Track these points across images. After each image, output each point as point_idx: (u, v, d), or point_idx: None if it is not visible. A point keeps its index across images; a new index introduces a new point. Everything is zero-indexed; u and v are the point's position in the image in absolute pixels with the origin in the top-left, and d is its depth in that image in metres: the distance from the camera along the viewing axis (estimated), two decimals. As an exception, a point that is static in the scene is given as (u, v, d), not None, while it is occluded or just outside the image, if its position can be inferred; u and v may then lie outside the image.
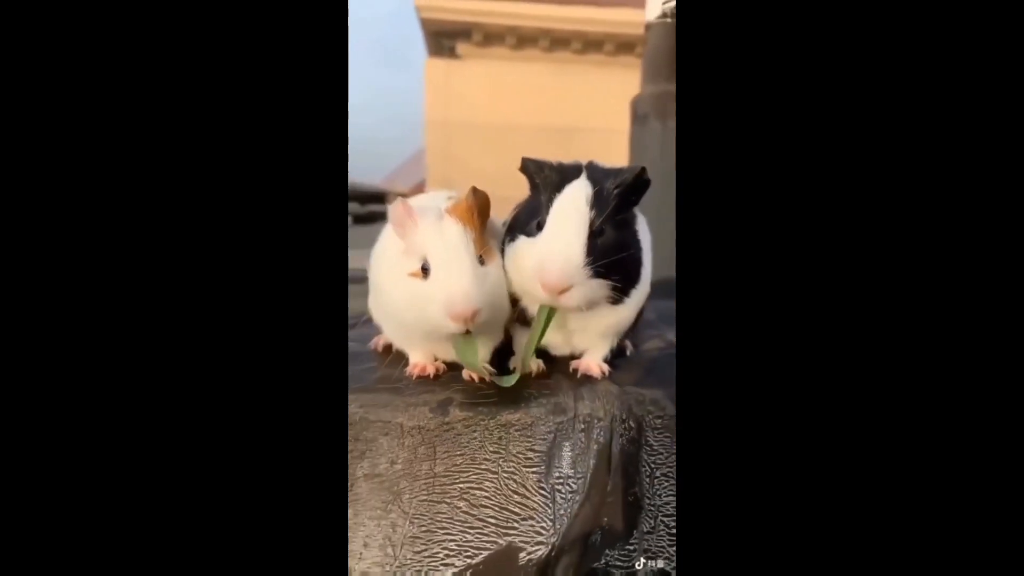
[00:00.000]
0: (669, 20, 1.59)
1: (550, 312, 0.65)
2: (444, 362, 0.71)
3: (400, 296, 0.63)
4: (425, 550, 0.59)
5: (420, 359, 0.69)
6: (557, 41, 5.64)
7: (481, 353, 0.70)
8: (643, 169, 0.64)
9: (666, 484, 0.62)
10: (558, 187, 0.64)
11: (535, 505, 0.60)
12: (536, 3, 5.39)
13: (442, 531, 0.59)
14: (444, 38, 5.77)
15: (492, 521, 0.60)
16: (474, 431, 0.60)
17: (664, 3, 1.57)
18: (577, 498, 0.61)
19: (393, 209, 0.62)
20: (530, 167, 0.68)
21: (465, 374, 0.68)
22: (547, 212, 0.63)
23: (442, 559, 0.59)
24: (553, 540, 0.60)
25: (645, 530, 0.62)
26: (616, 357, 0.75)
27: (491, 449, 0.60)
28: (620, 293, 0.64)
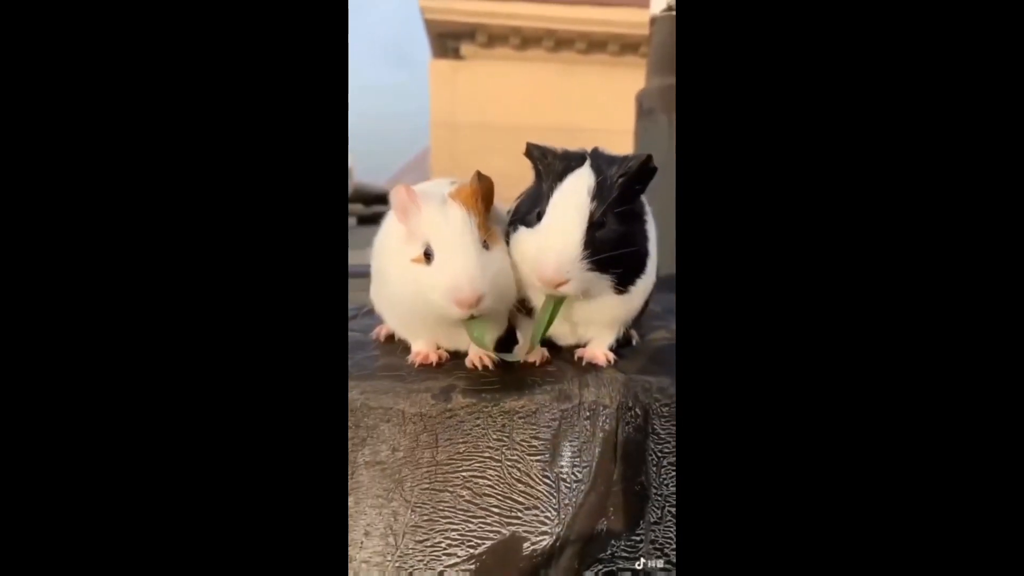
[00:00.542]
0: (674, 13, 1.57)
1: (558, 301, 0.63)
2: (447, 350, 0.70)
3: (403, 282, 0.61)
4: (427, 539, 0.58)
5: (423, 347, 0.68)
6: (561, 42, 5.64)
7: (487, 339, 0.69)
8: (649, 157, 0.63)
9: (673, 473, 0.61)
10: (560, 176, 0.63)
11: (539, 494, 0.59)
12: (540, 4, 5.40)
13: (444, 520, 0.58)
14: (448, 39, 5.79)
15: (495, 510, 0.58)
16: (477, 418, 0.59)
17: (669, -3, 1.56)
18: (582, 487, 0.59)
19: (396, 194, 0.61)
20: (534, 153, 0.66)
21: (468, 361, 0.67)
22: (547, 202, 0.62)
23: (444, 548, 0.58)
24: (558, 530, 0.58)
25: (652, 520, 0.61)
26: (622, 347, 0.74)
27: (494, 437, 0.59)
28: (622, 285, 0.63)
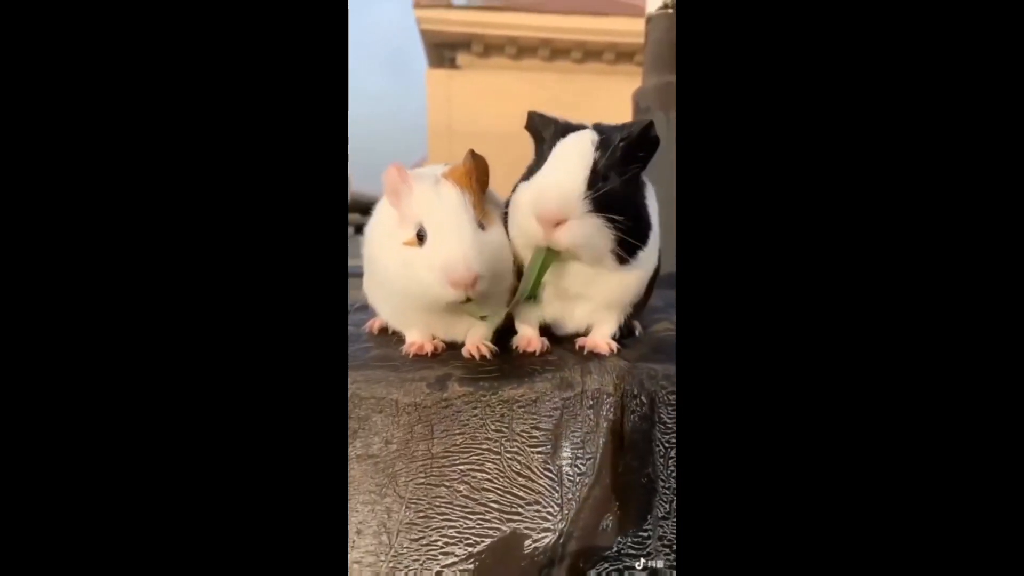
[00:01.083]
0: (670, 11, 1.57)
1: (551, 251, 0.59)
2: (443, 340, 0.67)
3: (394, 266, 0.59)
4: (423, 537, 0.55)
5: (417, 338, 0.66)
6: (557, 51, 5.69)
7: (481, 332, 0.66)
8: (650, 123, 0.61)
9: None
10: (563, 134, 0.61)
11: (541, 488, 0.56)
12: (536, 14, 5.44)
13: (441, 517, 0.55)
14: (445, 49, 5.83)
15: (495, 506, 0.55)
16: (474, 408, 0.56)
17: (665, -5, 1.55)
18: (586, 480, 0.56)
19: (387, 175, 0.59)
20: (536, 121, 0.64)
21: (465, 351, 0.64)
22: (549, 155, 0.60)
23: (441, 547, 0.55)
24: (561, 526, 0.55)
25: (660, 515, 0.57)
26: (625, 337, 0.71)
27: (493, 427, 0.56)
28: (626, 241, 0.59)
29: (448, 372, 0.59)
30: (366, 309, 0.78)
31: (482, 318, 0.61)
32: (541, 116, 0.64)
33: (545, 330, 0.70)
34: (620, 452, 0.57)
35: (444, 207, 0.57)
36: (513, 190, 0.66)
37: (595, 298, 0.65)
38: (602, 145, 0.59)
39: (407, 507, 0.55)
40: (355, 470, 0.55)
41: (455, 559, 0.54)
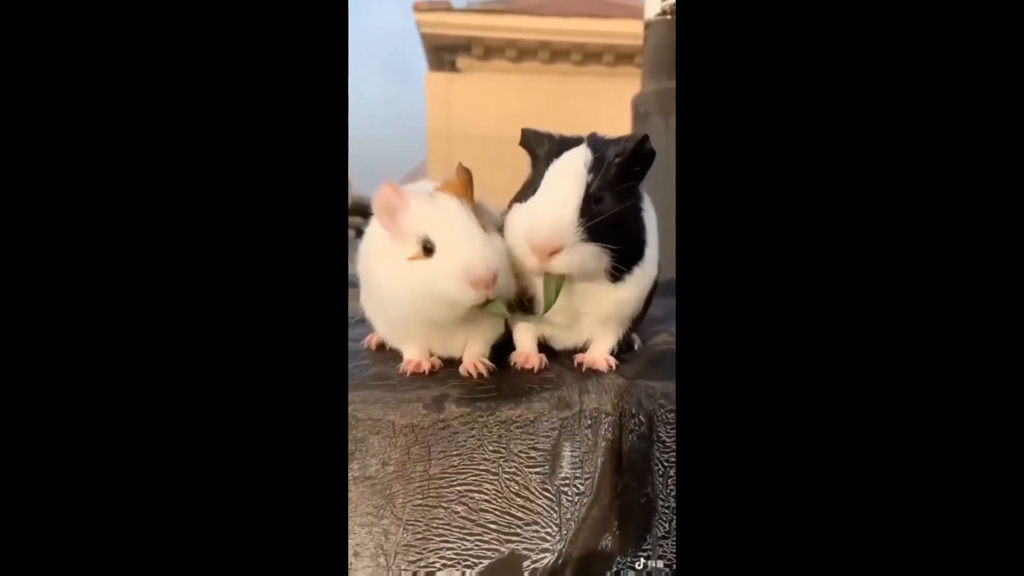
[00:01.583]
0: (669, 17, 1.57)
1: (559, 279, 0.59)
2: (440, 357, 0.67)
3: (402, 283, 0.58)
4: (420, 559, 0.54)
5: (415, 355, 0.65)
6: (557, 53, 5.68)
7: (483, 341, 0.66)
8: (645, 137, 0.60)
9: (681, 484, 0.58)
10: (556, 154, 0.61)
11: (539, 508, 0.56)
12: (535, 17, 5.44)
13: (439, 538, 0.55)
14: (445, 52, 5.83)
15: (493, 527, 0.55)
16: (472, 429, 0.56)
17: (664, 0, 1.55)
18: (585, 500, 0.56)
19: (380, 194, 0.58)
20: (530, 138, 0.64)
21: (463, 368, 0.63)
22: (542, 179, 0.60)
23: (439, 569, 0.54)
24: (560, 547, 0.55)
25: (659, 535, 0.57)
26: (624, 351, 0.71)
27: (491, 448, 0.56)
28: (619, 266, 0.59)
29: (445, 392, 0.59)
30: (363, 323, 0.78)
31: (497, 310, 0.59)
32: (535, 133, 0.64)
33: (543, 345, 0.70)
34: (619, 472, 0.57)
35: (448, 216, 0.57)
36: (510, 205, 0.65)
37: (592, 314, 0.64)
38: (595, 164, 0.58)
39: (405, 529, 0.55)
40: (352, 492, 0.55)
41: (453, 581, 0.54)
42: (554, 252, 0.56)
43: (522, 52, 5.70)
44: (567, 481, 0.56)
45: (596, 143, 0.62)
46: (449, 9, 5.60)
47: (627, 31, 5.09)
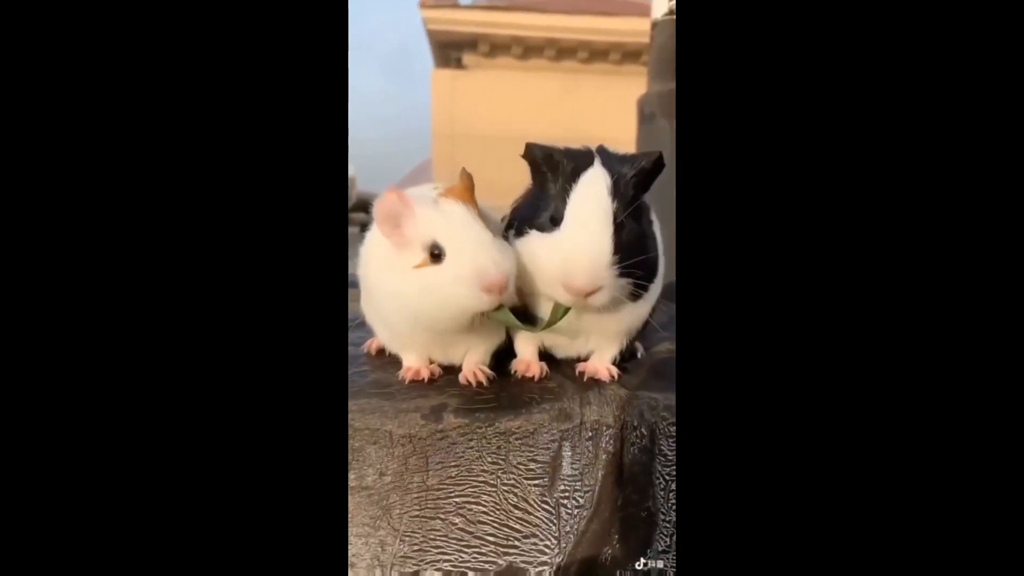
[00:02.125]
0: (675, 17, 1.55)
1: (567, 307, 0.59)
2: (440, 364, 0.66)
3: (410, 291, 0.56)
4: (417, 571, 0.54)
5: (414, 362, 0.64)
6: (563, 51, 5.66)
7: (484, 349, 0.65)
8: (660, 155, 0.59)
9: (683, 498, 0.57)
10: (572, 176, 0.59)
11: (538, 521, 0.55)
12: (542, 14, 5.42)
13: (436, 550, 0.54)
14: (451, 49, 5.81)
15: (491, 539, 0.54)
16: (470, 440, 0.55)
17: (671, 0, 1.53)
18: (584, 513, 0.55)
19: (384, 202, 0.57)
20: (536, 153, 0.62)
21: (462, 377, 0.63)
22: (563, 203, 0.58)
23: (436, 581, 0.54)
24: (558, 560, 0.54)
25: (660, 549, 0.56)
26: (626, 360, 0.70)
27: (489, 460, 0.55)
28: (640, 286, 0.59)
29: (444, 402, 0.58)
30: (363, 327, 0.77)
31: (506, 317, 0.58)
32: (541, 148, 0.62)
33: (544, 353, 0.69)
34: (619, 485, 0.56)
35: (456, 221, 0.55)
36: (512, 209, 0.64)
37: (602, 328, 0.63)
38: (615, 187, 0.57)
39: (401, 540, 0.54)
40: (349, 502, 0.54)
41: (450, 593, 0.53)
42: (591, 293, 0.55)
43: (528, 49, 5.68)
44: (567, 483, 0.55)
45: (607, 160, 0.60)
46: (455, 6, 5.58)
47: (634, 29, 5.06)
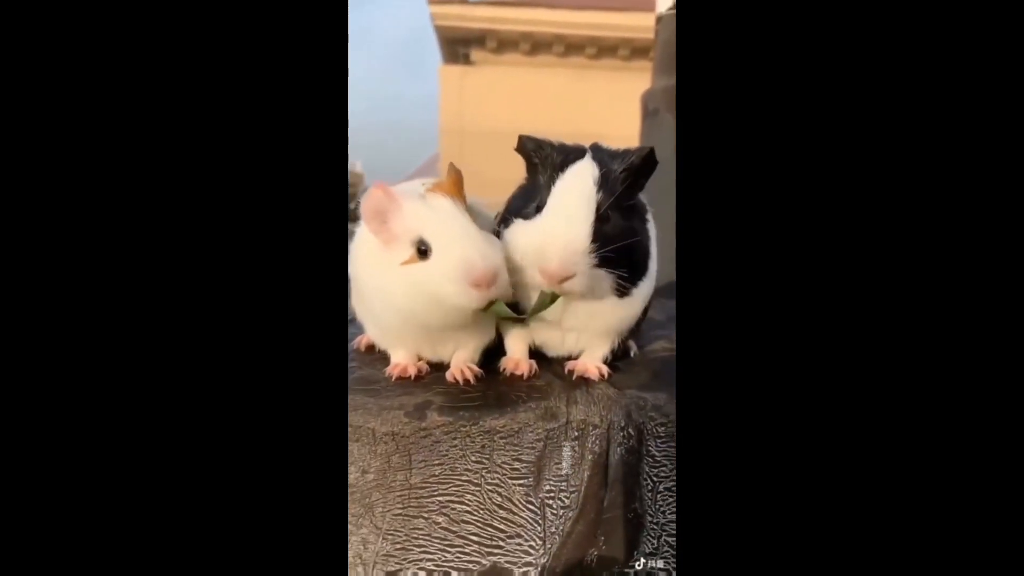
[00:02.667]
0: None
1: (553, 296, 0.58)
2: (428, 362, 0.65)
3: (398, 289, 0.56)
4: (400, 570, 0.53)
5: (402, 359, 0.64)
6: (572, 46, 5.62)
7: (473, 347, 0.64)
8: (651, 150, 0.58)
9: (670, 499, 0.56)
10: (560, 167, 0.58)
11: (523, 521, 0.54)
12: (550, 9, 5.39)
13: (419, 549, 0.53)
14: (459, 45, 5.80)
15: (475, 539, 0.54)
16: (454, 438, 0.54)
17: (675, -6, 1.51)
18: (570, 514, 0.54)
19: (370, 198, 0.56)
20: (528, 145, 0.61)
21: (449, 375, 0.62)
22: (548, 193, 0.57)
23: (418, 581, 0.53)
24: (543, 561, 0.53)
25: (647, 551, 0.55)
26: (619, 358, 0.69)
27: (473, 459, 0.54)
28: (627, 285, 0.58)
29: (428, 399, 0.57)
30: (354, 323, 0.77)
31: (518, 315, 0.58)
32: (533, 140, 0.61)
33: (535, 351, 0.68)
34: (605, 486, 0.55)
35: (442, 216, 0.54)
36: (506, 211, 0.63)
37: (591, 325, 0.62)
38: (603, 180, 0.56)
39: (384, 538, 0.53)
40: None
41: (432, 593, 0.53)
42: (565, 279, 0.54)
43: (536, 45, 5.65)
44: (554, 483, 0.54)
45: (600, 155, 0.59)
46: (464, 1, 5.56)
47: (643, 24, 5.01)
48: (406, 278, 0.55)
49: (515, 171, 0.68)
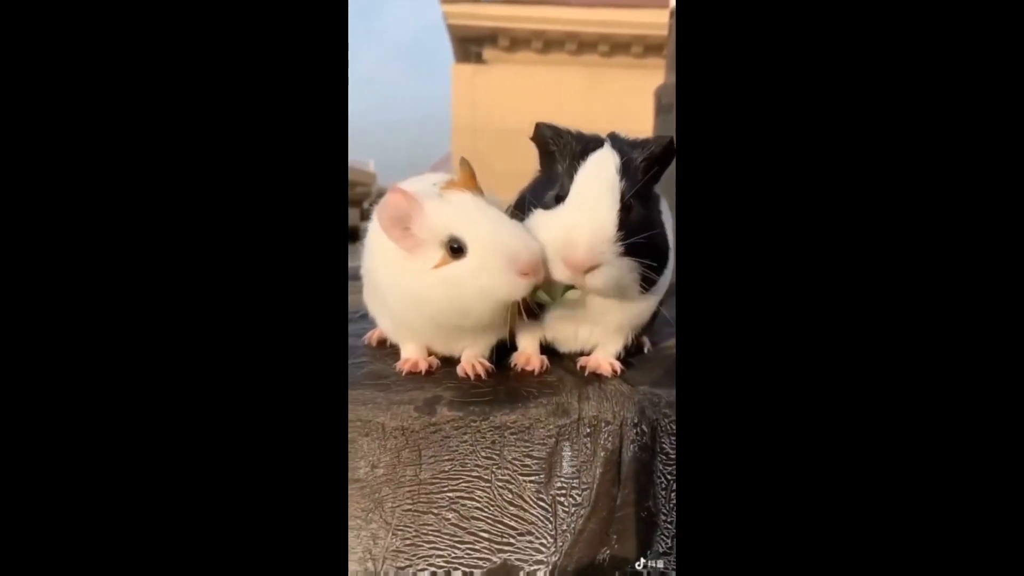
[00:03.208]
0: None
1: (567, 288, 0.56)
2: (440, 355, 0.65)
3: (433, 294, 0.54)
4: (409, 566, 0.53)
5: (412, 353, 0.63)
6: (584, 44, 5.60)
7: (485, 342, 0.63)
8: (671, 140, 0.57)
9: (685, 498, 0.54)
10: (580, 156, 0.57)
11: (533, 518, 0.53)
12: (562, 7, 5.36)
13: (428, 545, 0.53)
14: (471, 44, 5.80)
15: (485, 535, 0.53)
16: (464, 434, 0.54)
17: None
18: (582, 512, 0.53)
19: (389, 203, 0.53)
20: (546, 133, 0.60)
21: (460, 369, 0.61)
22: (569, 181, 0.56)
23: (429, 577, 0.53)
24: (554, 559, 0.53)
25: (660, 550, 0.54)
26: (632, 355, 0.68)
27: (483, 454, 0.54)
28: (651, 276, 0.56)
29: (438, 394, 0.57)
30: (364, 319, 0.76)
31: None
32: (552, 128, 0.60)
33: (546, 347, 0.67)
34: (618, 483, 0.54)
35: (470, 211, 0.53)
36: (524, 203, 0.62)
37: (606, 320, 0.61)
38: (624, 169, 0.55)
39: (393, 534, 0.53)
40: (340, 494, 0.53)
41: (442, 590, 0.52)
42: (591, 268, 0.53)
43: (549, 43, 5.64)
44: (565, 480, 0.53)
45: (619, 144, 0.58)
46: (476, 0, 5.56)
47: (656, 21, 4.97)
48: (443, 281, 0.53)
49: (528, 169, 0.67)
